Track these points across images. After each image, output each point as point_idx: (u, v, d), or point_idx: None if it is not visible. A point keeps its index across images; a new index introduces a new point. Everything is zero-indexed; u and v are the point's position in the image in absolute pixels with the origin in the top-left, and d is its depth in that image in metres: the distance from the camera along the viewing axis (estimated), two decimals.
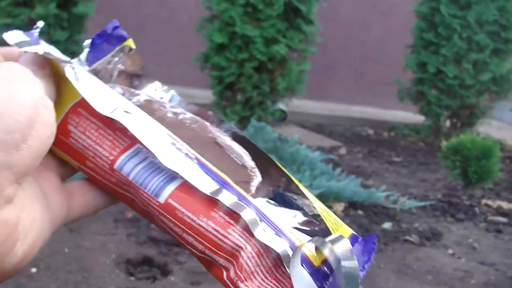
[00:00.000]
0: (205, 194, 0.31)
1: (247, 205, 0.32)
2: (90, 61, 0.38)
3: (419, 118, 4.44)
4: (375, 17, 5.57)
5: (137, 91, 0.39)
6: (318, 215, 0.36)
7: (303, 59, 3.83)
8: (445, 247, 2.00)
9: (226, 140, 0.38)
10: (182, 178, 0.32)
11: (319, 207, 0.37)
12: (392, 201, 2.31)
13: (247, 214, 0.31)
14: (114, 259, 1.59)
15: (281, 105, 4.11)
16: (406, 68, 4.30)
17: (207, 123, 0.38)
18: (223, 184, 0.32)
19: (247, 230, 0.31)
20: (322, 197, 2.06)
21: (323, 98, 5.37)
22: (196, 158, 0.33)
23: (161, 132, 0.33)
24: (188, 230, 0.31)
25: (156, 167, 0.33)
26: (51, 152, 0.35)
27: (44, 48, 0.34)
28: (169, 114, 0.38)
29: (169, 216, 0.32)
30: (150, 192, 0.32)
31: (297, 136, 2.66)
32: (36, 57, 0.33)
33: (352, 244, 0.32)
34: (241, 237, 0.31)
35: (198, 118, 0.38)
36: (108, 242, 1.68)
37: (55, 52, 0.34)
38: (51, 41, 2.29)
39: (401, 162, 3.51)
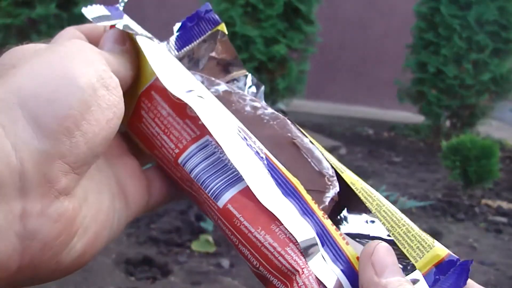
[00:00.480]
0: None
1: (309, 222, 0.27)
2: (179, 45, 0.35)
3: (419, 118, 4.44)
4: (375, 17, 5.57)
5: (217, 81, 0.34)
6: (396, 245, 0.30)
7: (303, 59, 3.82)
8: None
9: (306, 142, 0.33)
10: None
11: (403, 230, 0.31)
12: (392, 201, 2.31)
13: (305, 237, 0.27)
14: (114, 259, 1.59)
15: (281, 105, 4.10)
16: (406, 68, 4.29)
17: (288, 121, 0.34)
18: (290, 193, 0.28)
19: None
20: None
21: (323, 98, 5.36)
22: (267, 158, 0.29)
23: (233, 123, 0.29)
24: (244, 242, 0.28)
25: (222, 165, 0.29)
26: (130, 136, 0.32)
27: (125, 23, 0.30)
28: (247, 108, 0.33)
29: (226, 223, 0.28)
30: (209, 194, 0.28)
31: None
32: (117, 32, 0.31)
33: (447, 269, 0.28)
34: (300, 259, 0.27)
35: (280, 114, 0.34)
36: None
37: (137, 28, 0.31)
38: None
39: (401, 162, 3.51)
